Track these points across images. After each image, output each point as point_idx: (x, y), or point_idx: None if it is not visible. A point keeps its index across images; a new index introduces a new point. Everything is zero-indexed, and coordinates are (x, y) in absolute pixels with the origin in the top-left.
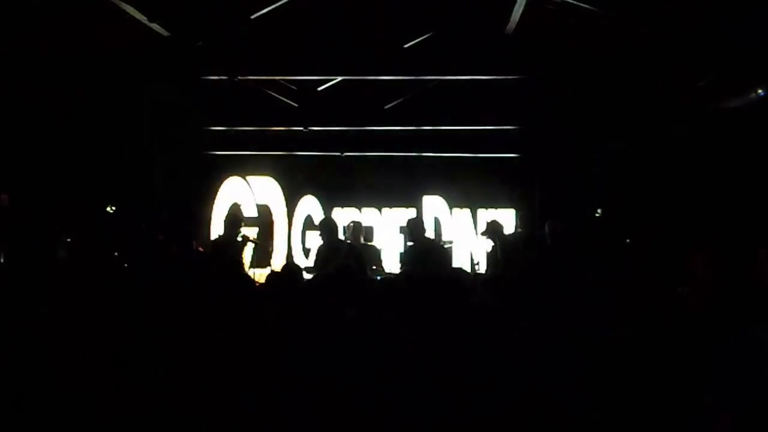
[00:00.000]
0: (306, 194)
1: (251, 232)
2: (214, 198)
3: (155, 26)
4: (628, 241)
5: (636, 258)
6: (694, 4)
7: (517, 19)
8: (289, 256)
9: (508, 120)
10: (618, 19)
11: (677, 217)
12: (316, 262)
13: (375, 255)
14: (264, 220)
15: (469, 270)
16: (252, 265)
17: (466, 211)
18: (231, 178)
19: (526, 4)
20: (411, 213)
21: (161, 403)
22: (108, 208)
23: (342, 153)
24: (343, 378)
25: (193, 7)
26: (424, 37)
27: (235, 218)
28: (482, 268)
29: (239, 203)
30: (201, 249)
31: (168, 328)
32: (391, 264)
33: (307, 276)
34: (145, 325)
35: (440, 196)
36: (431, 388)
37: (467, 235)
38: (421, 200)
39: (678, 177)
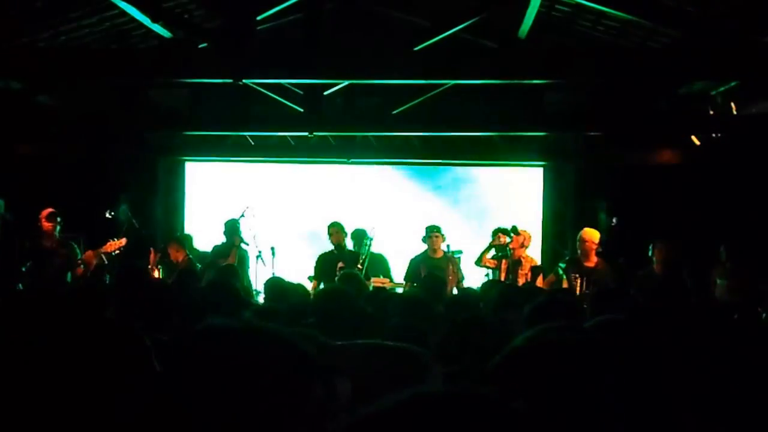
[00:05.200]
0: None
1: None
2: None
3: (158, 27)
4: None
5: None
6: (715, 7)
7: (530, 22)
8: None
9: (521, 126)
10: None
11: (695, 227)
12: (316, 269)
13: (383, 265)
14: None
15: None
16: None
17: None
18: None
19: (540, 6)
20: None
21: None
22: (107, 214)
23: (348, 159)
24: None
25: (196, 8)
26: (435, 39)
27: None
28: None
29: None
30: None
31: None
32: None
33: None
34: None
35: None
36: None
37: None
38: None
39: (698, 185)
